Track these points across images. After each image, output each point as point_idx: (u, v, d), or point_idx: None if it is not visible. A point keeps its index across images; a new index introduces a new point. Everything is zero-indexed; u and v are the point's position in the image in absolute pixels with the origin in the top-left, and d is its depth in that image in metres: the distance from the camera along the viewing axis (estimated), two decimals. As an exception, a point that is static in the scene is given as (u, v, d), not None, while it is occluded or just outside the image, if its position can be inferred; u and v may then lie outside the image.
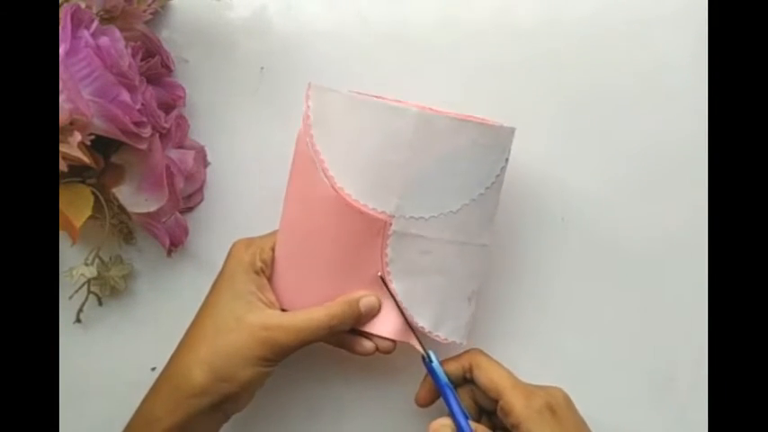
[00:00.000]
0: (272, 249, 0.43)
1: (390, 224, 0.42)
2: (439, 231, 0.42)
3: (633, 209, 0.48)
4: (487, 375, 0.42)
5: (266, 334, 0.40)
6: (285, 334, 0.40)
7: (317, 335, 0.41)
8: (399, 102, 0.44)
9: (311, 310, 0.42)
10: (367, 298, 0.43)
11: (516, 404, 0.41)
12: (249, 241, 0.44)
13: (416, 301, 0.43)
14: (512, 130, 0.43)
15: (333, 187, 0.42)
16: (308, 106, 0.42)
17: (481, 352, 0.44)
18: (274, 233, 0.44)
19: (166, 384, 0.41)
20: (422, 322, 0.43)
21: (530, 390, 0.42)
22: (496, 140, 0.43)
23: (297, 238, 0.43)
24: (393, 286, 0.43)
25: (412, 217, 0.42)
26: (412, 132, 0.41)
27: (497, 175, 0.43)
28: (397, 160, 0.41)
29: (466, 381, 0.44)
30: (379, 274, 0.43)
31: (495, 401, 0.42)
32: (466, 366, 0.43)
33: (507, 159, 0.43)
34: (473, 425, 0.42)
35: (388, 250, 0.43)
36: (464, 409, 0.42)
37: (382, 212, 0.42)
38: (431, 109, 0.43)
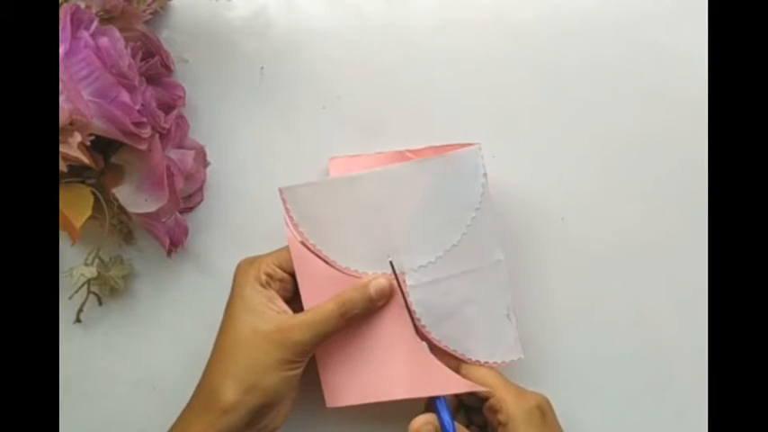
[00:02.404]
0: (275, 263, 0.43)
1: (405, 281, 0.43)
2: (450, 268, 0.43)
3: (633, 208, 0.48)
4: (478, 373, 0.43)
5: (282, 336, 0.41)
6: (300, 331, 0.41)
7: (330, 325, 0.42)
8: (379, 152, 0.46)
9: (322, 303, 0.42)
10: (376, 280, 0.43)
11: (507, 402, 0.41)
12: (252, 258, 0.44)
13: (462, 340, 0.44)
14: (477, 148, 0.43)
15: (339, 270, 0.43)
16: (288, 209, 0.43)
17: None
18: (276, 251, 0.44)
19: (198, 404, 0.42)
20: (475, 357, 0.44)
21: (520, 390, 0.42)
22: (464, 163, 0.43)
23: None
24: (433, 336, 0.43)
25: (421, 266, 0.43)
26: (380, 191, 0.43)
27: (482, 194, 0.43)
28: (382, 221, 0.43)
29: None
30: (390, 259, 0.43)
31: (483, 399, 0.42)
32: (453, 366, 0.43)
33: (485, 175, 0.43)
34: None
35: (414, 307, 0.43)
36: (448, 405, 0.42)
37: (392, 274, 0.43)
38: (408, 151, 0.45)
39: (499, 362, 0.44)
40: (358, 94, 0.49)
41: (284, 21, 0.50)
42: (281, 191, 0.43)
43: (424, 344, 0.43)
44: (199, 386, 0.42)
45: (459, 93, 0.49)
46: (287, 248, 0.44)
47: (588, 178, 0.49)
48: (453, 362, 0.44)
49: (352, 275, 0.43)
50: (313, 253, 0.43)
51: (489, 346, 0.44)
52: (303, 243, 0.43)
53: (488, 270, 0.44)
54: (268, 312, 0.42)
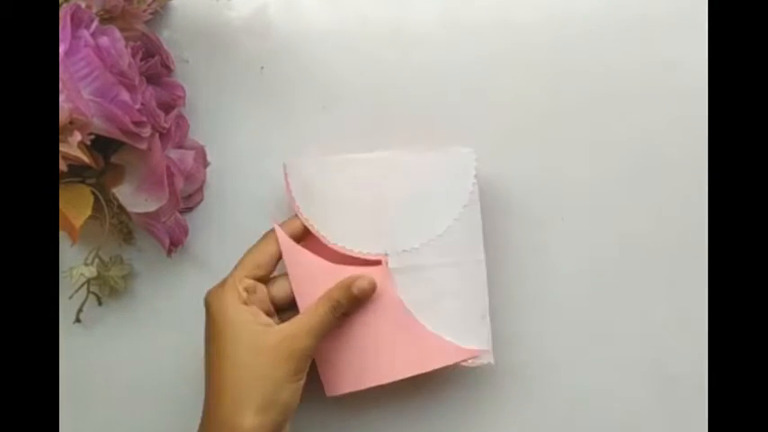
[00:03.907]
0: (245, 275, 0.42)
1: (387, 263, 0.44)
2: (432, 257, 0.44)
3: (633, 209, 0.48)
4: None
5: (283, 349, 0.40)
6: (300, 340, 0.41)
7: (327, 327, 0.42)
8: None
9: (312, 308, 0.42)
10: (359, 281, 0.43)
11: None
12: (219, 284, 0.42)
13: (438, 332, 0.44)
14: (470, 153, 0.44)
15: (326, 246, 0.44)
16: (289, 182, 0.45)
17: None
18: (237, 265, 0.43)
19: None
20: None
21: None
22: (457, 164, 0.44)
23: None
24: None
25: (404, 250, 0.44)
26: (379, 176, 0.44)
27: (471, 193, 0.44)
28: (374, 204, 0.44)
29: None
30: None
31: None
32: None
33: (476, 176, 0.44)
34: None
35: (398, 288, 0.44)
36: None
37: (377, 254, 0.44)
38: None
39: (469, 361, 0.44)
40: (358, 95, 0.49)
41: (284, 21, 0.50)
42: (285, 166, 0.45)
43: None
44: (208, 421, 0.40)
45: (460, 94, 0.49)
46: (248, 256, 0.43)
47: (589, 180, 0.49)
48: None
49: (339, 250, 0.44)
50: (303, 242, 0.44)
51: (463, 343, 0.44)
52: (303, 223, 0.44)
53: (470, 266, 0.44)
54: (261, 328, 0.41)
